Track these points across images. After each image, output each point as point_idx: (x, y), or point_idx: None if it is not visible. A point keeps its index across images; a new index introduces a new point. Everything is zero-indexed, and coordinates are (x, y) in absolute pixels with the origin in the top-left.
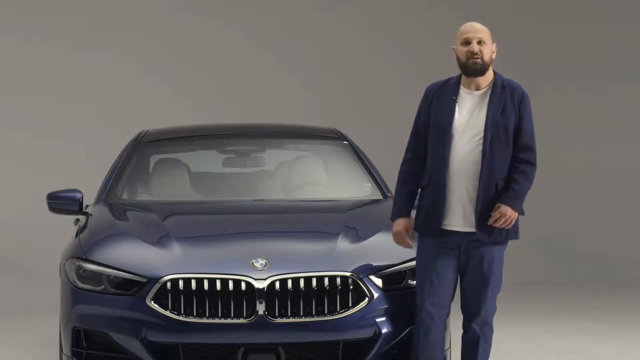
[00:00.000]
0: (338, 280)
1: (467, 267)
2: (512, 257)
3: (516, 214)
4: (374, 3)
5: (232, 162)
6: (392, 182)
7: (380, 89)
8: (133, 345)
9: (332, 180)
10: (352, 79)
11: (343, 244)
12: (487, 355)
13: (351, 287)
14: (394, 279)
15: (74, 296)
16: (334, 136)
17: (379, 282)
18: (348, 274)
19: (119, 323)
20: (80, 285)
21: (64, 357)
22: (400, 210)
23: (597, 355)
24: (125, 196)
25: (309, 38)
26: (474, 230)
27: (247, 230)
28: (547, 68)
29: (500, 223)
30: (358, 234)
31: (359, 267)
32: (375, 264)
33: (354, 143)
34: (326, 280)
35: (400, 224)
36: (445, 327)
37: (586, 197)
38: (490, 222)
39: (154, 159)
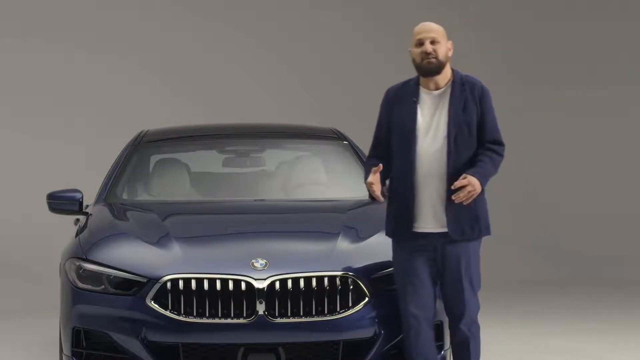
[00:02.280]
0: (338, 280)
1: (445, 268)
2: (510, 258)
3: (480, 188)
4: (374, 3)
5: (232, 162)
6: None
7: (380, 89)
8: (133, 345)
9: (332, 180)
10: (352, 79)
11: (343, 244)
12: (479, 353)
13: (351, 287)
14: (393, 279)
15: (74, 296)
16: (334, 136)
17: (379, 282)
18: (348, 274)
19: (119, 323)
20: (80, 285)
21: (64, 357)
22: (369, 172)
23: (594, 355)
24: (125, 196)
25: (309, 38)
26: (446, 230)
27: (247, 230)
28: (547, 68)
29: (464, 193)
30: (358, 234)
31: (359, 267)
32: (375, 264)
33: (354, 143)
34: (326, 280)
35: (371, 176)
36: (432, 327)
37: (586, 196)
38: (455, 187)
39: (154, 159)
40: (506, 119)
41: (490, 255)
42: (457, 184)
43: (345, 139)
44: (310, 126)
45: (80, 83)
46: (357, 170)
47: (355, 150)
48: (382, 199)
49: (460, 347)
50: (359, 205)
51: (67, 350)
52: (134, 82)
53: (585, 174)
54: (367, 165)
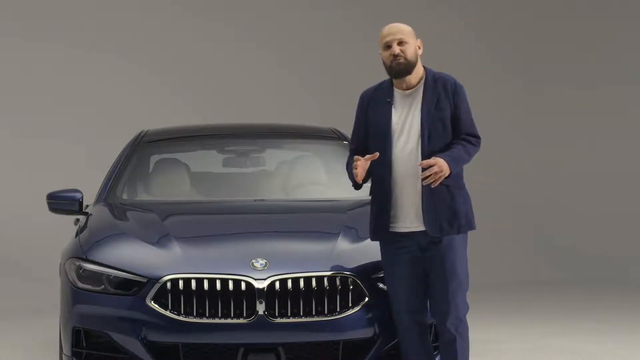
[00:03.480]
0: (338, 280)
1: (431, 268)
2: (511, 257)
3: (448, 171)
4: (374, 3)
5: (232, 162)
6: None
7: None
8: (133, 345)
9: (332, 180)
10: (352, 79)
11: (343, 244)
12: (467, 353)
13: (351, 287)
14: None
15: (74, 296)
16: (334, 136)
17: (378, 282)
18: (348, 274)
19: (119, 323)
20: (80, 285)
21: (64, 357)
22: (349, 164)
23: (596, 355)
24: (125, 196)
25: (309, 38)
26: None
27: (247, 230)
28: (547, 68)
29: (431, 173)
30: (358, 234)
31: (359, 267)
32: (375, 264)
33: None
34: (326, 281)
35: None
36: (427, 328)
37: (586, 196)
38: (420, 165)
39: (154, 159)
40: (506, 119)
41: (490, 255)
42: (424, 163)
43: (345, 139)
44: (310, 126)
45: (80, 83)
46: None
47: None
48: (359, 180)
49: (447, 347)
50: (359, 205)
51: (67, 350)
52: (134, 82)
53: (585, 174)
54: (349, 168)
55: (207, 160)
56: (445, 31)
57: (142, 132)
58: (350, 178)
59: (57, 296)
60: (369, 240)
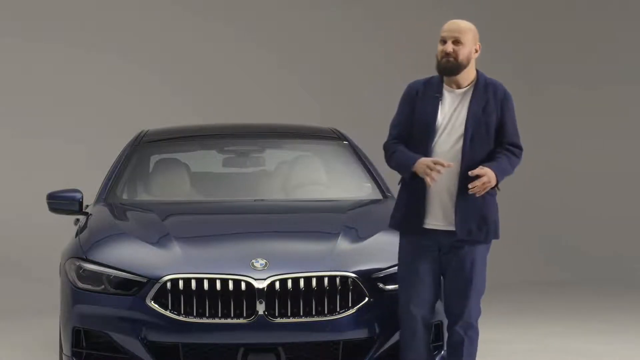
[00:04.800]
0: (338, 280)
1: (449, 269)
2: (513, 258)
3: (495, 181)
4: (374, 3)
5: (232, 162)
6: (392, 182)
7: (380, 89)
8: (133, 345)
9: (332, 180)
10: (352, 79)
11: (343, 244)
12: (473, 358)
13: (351, 287)
14: (393, 279)
15: (74, 296)
16: (334, 136)
17: (378, 282)
18: (348, 274)
19: (119, 323)
20: (80, 285)
21: (64, 357)
22: (414, 157)
23: (600, 356)
24: (125, 196)
25: (309, 38)
26: (453, 228)
27: (247, 230)
28: (547, 68)
29: (480, 184)
30: (358, 234)
31: (359, 267)
32: (375, 264)
33: (354, 143)
34: (326, 281)
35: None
36: (430, 328)
37: (586, 196)
38: (471, 174)
39: (154, 159)
40: None
41: (493, 255)
42: (474, 172)
43: (345, 139)
44: (310, 126)
45: (80, 83)
46: (357, 171)
47: (355, 150)
48: (448, 164)
49: (454, 349)
50: (359, 205)
51: (67, 350)
52: (134, 82)
53: (587, 174)
54: (398, 151)
55: (207, 160)
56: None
57: (142, 132)
58: (399, 168)
59: (57, 296)
60: (369, 240)
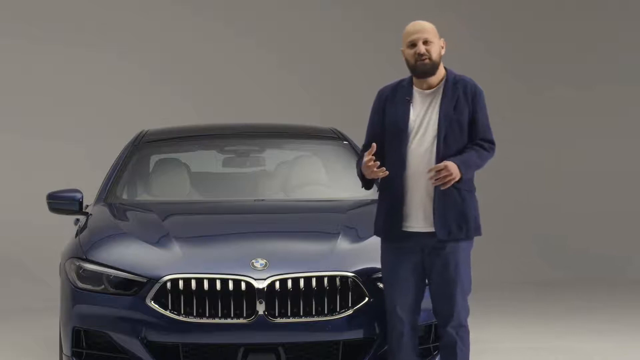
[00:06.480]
0: (338, 280)
1: (433, 270)
2: (511, 258)
3: (458, 175)
4: (374, 3)
5: (232, 162)
6: None
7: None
8: (133, 345)
9: (332, 180)
10: (352, 79)
11: (343, 244)
12: (467, 358)
13: (351, 287)
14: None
15: (74, 296)
16: (334, 136)
17: (378, 282)
18: (348, 274)
19: (119, 323)
20: (80, 285)
21: (64, 357)
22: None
23: (596, 355)
24: (125, 196)
25: (309, 38)
26: (434, 229)
27: (247, 230)
28: (547, 68)
29: (440, 176)
30: (358, 234)
31: (359, 267)
32: (375, 264)
33: (354, 143)
34: (326, 281)
35: (367, 156)
36: (418, 331)
37: (585, 196)
38: (430, 170)
39: (154, 159)
40: (505, 119)
41: (489, 255)
42: (433, 168)
43: (345, 139)
44: (310, 126)
45: (80, 83)
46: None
47: (355, 150)
48: (382, 174)
49: (447, 350)
50: (359, 205)
51: (67, 350)
52: (134, 82)
53: (586, 174)
54: (359, 165)
55: (207, 161)
56: (444, 31)
57: (142, 132)
58: (359, 175)
59: (57, 296)
60: (369, 240)
